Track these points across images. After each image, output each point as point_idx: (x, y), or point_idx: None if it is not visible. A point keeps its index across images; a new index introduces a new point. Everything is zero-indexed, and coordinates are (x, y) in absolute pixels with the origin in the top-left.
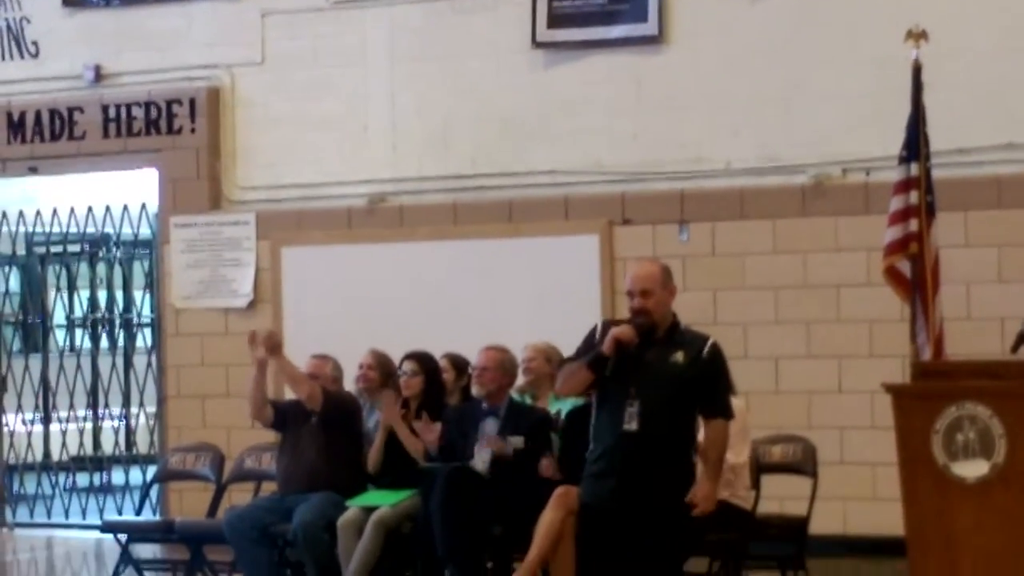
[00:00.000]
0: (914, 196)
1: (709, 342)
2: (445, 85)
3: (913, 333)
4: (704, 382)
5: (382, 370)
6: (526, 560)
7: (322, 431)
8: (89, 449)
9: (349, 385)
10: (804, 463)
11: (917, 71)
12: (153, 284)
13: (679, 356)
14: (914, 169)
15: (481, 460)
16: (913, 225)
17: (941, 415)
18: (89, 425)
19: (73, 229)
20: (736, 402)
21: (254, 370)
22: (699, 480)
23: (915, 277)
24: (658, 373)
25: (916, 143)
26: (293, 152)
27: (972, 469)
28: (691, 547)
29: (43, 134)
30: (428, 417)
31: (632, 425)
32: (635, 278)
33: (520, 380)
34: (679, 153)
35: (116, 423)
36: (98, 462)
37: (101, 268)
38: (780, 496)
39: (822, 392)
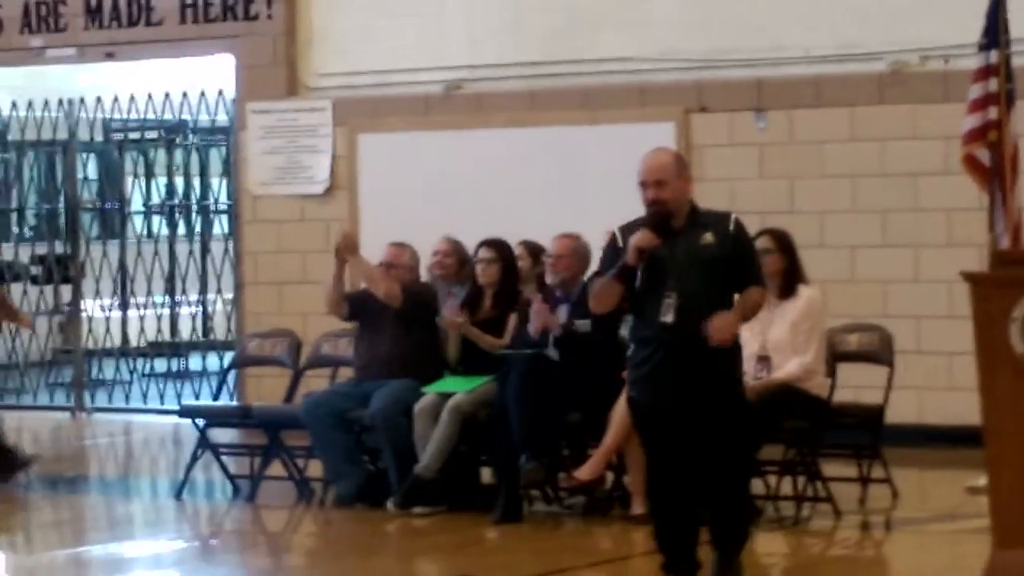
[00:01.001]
0: (993, 83)
1: (732, 217)
2: None
3: (991, 221)
4: (736, 257)
5: (458, 257)
6: (600, 448)
7: (400, 322)
8: (167, 335)
9: (425, 271)
10: (880, 352)
11: None
12: (230, 171)
13: (708, 237)
14: (994, 56)
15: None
16: (992, 113)
17: (1019, 303)
18: (166, 311)
19: (150, 116)
20: (810, 292)
21: (334, 268)
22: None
23: (994, 165)
24: (690, 259)
25: (996, 30)
26: (370, 39)
27: None
28: (757, 436)
29: (120, 20)
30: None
31: (668, 317)
32: (648, 169)
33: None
34: (756, 40)
35: (193, 309)
36: (175, 348)
37: (178, 155)
38: (856, 385)
39: (899, 281)
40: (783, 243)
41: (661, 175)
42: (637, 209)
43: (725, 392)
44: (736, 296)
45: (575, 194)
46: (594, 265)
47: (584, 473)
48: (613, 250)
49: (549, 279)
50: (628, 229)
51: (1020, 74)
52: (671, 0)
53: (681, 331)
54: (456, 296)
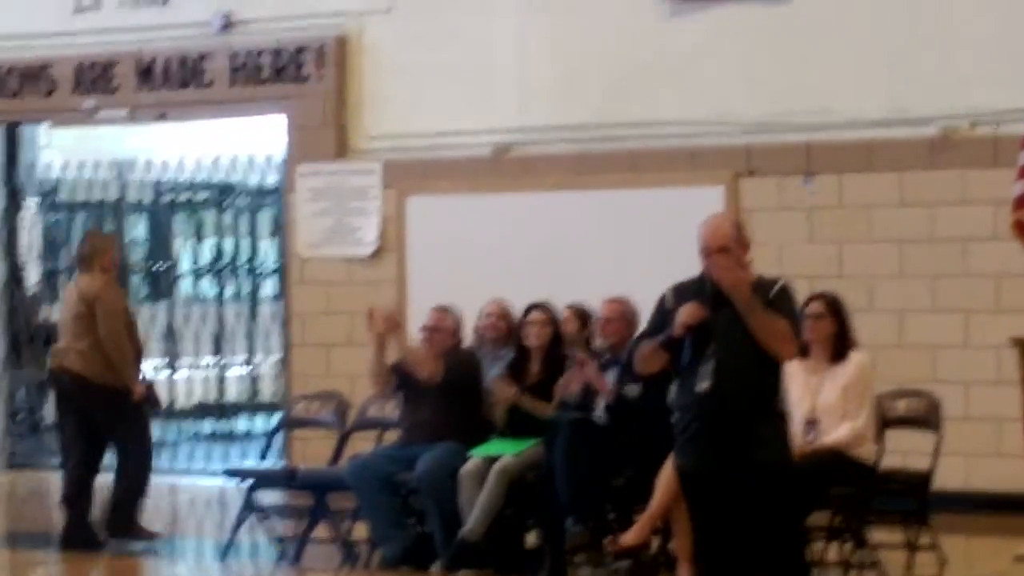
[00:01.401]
0: None
1: (779, 283)
2: (572, 34)
3: None
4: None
5: (508, 320)
6: (646, 512)
7: (444, 393)
8: (214, 396)
9: (470, 334)
10: (928, 417)
11: None
12: (279, 232)
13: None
14: None
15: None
16: None
17: None
18: (214, 372)
19: (201, 177)
20: (860, 357)
21: (372, 347)
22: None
23: None
24: (732, 329)
25: None
26: (419, 101)
27: None
28: (806, 502)
29: (172, 81)
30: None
31: (704, 385)
32: (711, 235)
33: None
34: (805, 104)
35: (241, 371)
36: (223, 409)
37: (227, 216)
38: (903, 450)
39: (947, 346)
40: (834, 307)
41: (725, 242)
42: (688, 273)
43: (767, 458)
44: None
45: (623, 258)
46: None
47: (630, 538)
48: (661, 311)
49: (598, 343)
50: (678, 291)
51: None
52: (721, 63)
53: (716, 399)
54: (503, 359)
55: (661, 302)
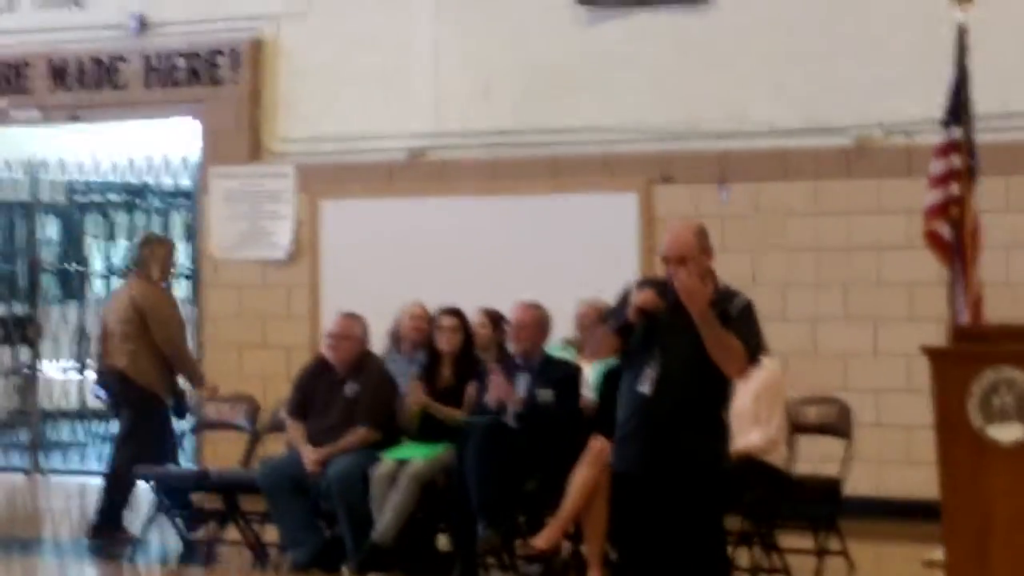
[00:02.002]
0: (956, 159)
1: (740, 298)
2: (489, 39)
3: (952, 297)
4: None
5: (429, 324)
6: (558, 515)
7: (353, 400)
8: None
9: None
10: (840, 425)
11: (962, 34)
12: (192, 235)
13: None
14: (957, 132)
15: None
16: (954, 189)
17: (978, 379)
18: None
19: (113, 179)
20: (772, 364)
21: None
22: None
23: (955, 241)
24: (682, 334)
25: (959, 106)
26: (335, 104)
27: (1008, 433)
28: (724, 507)
29: (86, 83)
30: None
31: (645, 388)
32: (672, 244)
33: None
34: (721, 112)
35: None
36: None
37: (140, 218)
38: (815, 457)
39: (859, 354)
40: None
41: (685, 251)
42: (602, 278)
43: (702, 470)
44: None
45: (538, 263)
46: (554, 334)
47: (541, 541)
48: (623, 300)
49: (512, 348)
50: (643, 285)
51: (983, 150)
52: (638, 71)
53: (656, 404)
54: (415, 363)
55: (625, 293)
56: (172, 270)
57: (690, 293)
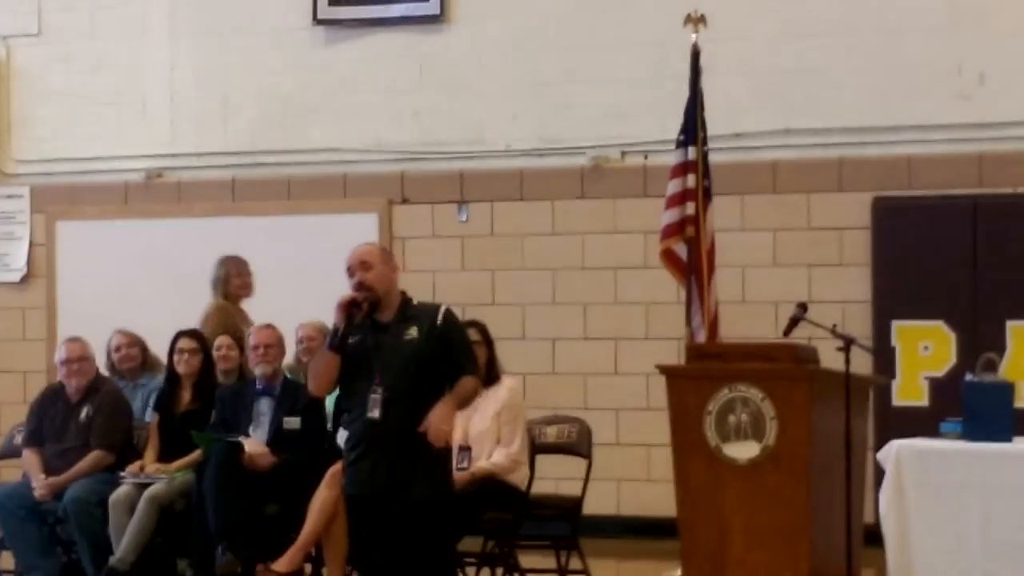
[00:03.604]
0: (691, 179)
1: (441, 309)
2: (225, 60)
3: (688, 316)
4: (444, 352)
5: (140, 348)
6: (299, 539)
7: (88, 424)
8: None
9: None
10: (579, 444)
11: (695, 56)
12: None
13: (413, 331)
14: (691, 153)
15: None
16: (690, 208)
17: (714, 397)
18: None
19: None
20: (512, 383)
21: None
22: (435, 406)
23: (691, 260)
24: (396, 354)
25: (694, 127)
26: (70, 125)
27: (743, 451)
28: (459, 528)
29: None
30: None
31: (375, 413)
32: (353, 255)
33: (289, 359)
34: (459, 133)
35: None
36: None
37: None
38: (555, 476)
39: (598, 373)
40: (486, 335)
41: (366, 257)
42: (334, 297)
43: (435, 489)
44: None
45: (276, 284)
46: (289, 356)
47: (282, 565)
48: (333, 332)
49: (259, 370)
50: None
51: (717, 170)
52: (376, 92)
53: (387, 426)
54: (141, 387)
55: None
56: (240, 292)
57: (441, 437)
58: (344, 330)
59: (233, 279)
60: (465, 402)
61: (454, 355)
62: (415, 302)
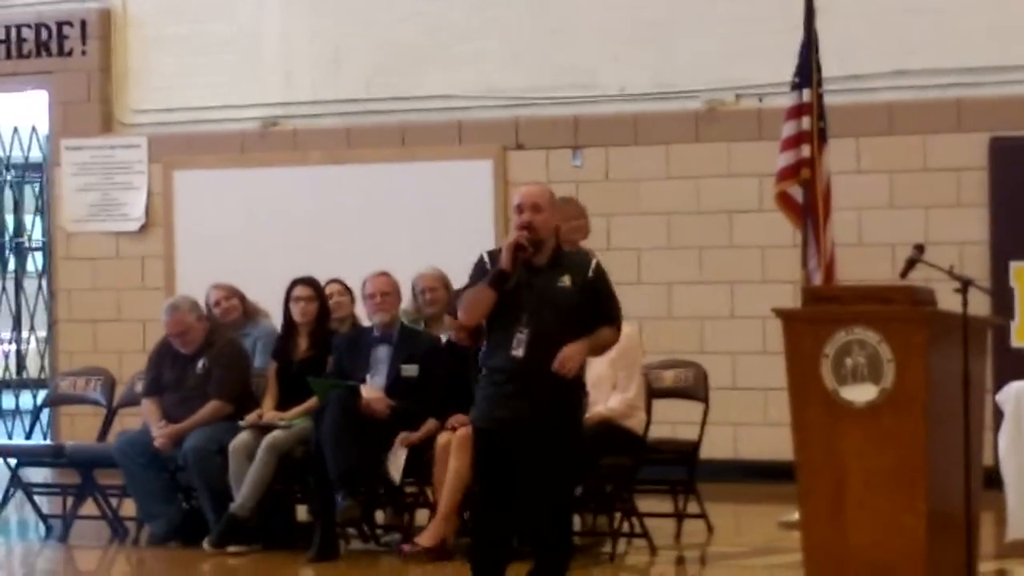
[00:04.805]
0: (806, 122)
1: (593, 262)
2: (338, 8)
3: (804, 258)
4: (593, 302)
5: (239, 299)
6: (440, 511)
7: (206, 375)
8: None
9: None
10: (696, 388)
11: None
12: (44, 207)
13: (566, 280)
14: (806, 95)
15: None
16: (805, 151)
17: (831, 340)
18: None
19: None
20: (628, 328)
21: None
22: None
23: (807, 203)
24: (546, 298)
25: (808, 69)
26: (185, 75)
27: (861, 393)
28: (583, 470)
29: None
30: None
31: (519, 351)
32: (526, 194)
33: (409, 307)
34: (572, 78)
35: (6, 346)
36: None
37: None
38: (672, 420)
39: (714, 317)
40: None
41: (539, 199)
42: (456, 246)
43: (567, 430)
44: None
45: (392, 232)
46: (405, 301)
47: (426, 539)
48: (480, 271)
49: (375, 318)
50: (496, 254)
51: (832, 113)
52: (490, 38)
53: (530, 366)
54: (245, 336)
55: (479, 263)
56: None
57: (572, 370)
58: (511, 272)
59: None
60: (600, 349)
61: (601, 306)
62: (565, 250)
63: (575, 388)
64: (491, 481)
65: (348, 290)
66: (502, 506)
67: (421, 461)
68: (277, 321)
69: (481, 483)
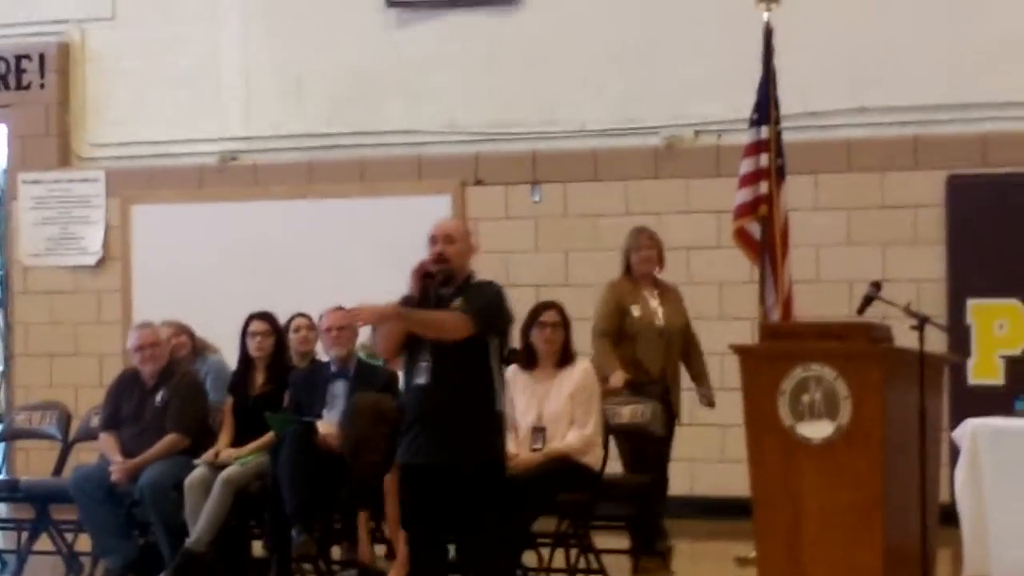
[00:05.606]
0: (764, 159)
1: (483, 280)
2: (299, 43)
3: (762, 295)
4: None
5: (187, 336)
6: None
7: (163, 408)
8: None
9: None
10: (653, 424)
11: (768, 34)
12: (1, 241)
13: (458, 302)
14: (764, 132)
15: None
16: (763, 188)
17: (788, 376)
18: None
19: None
20: (586, 364)
21: None
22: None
23: (764, 239)
24: None
25: (767, 106)
26: (144, 109)
27: (817, 430)
28: (534, 508)
29: None
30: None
31: (422, 379)
32: (439, 226)
33: (367, 342)
34: (533, 114)
35: None
36: None
37: None
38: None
39: None
40: (564, 316)
41: (452, 231)
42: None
43: (480, 457)
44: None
45: (351, 266)
46: (363, 337)
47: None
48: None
49: (332, 352)
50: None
51: (790, 149)
52: (449, 73)
53: (434, 393)
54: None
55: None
56: None
57: (374, 318)
58: (417, 299)
59: None
60: (422, 325)
61: (467, 298)
62: (476, 280)
63: (485, 411)
64: (413, 520)
65: (315, 325)
66: (428, 544)
67: (376, 497)
68: (233, 356)
69: (403, 522)
